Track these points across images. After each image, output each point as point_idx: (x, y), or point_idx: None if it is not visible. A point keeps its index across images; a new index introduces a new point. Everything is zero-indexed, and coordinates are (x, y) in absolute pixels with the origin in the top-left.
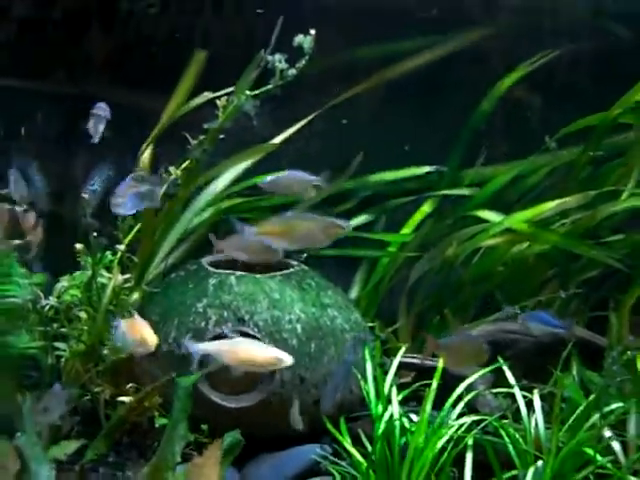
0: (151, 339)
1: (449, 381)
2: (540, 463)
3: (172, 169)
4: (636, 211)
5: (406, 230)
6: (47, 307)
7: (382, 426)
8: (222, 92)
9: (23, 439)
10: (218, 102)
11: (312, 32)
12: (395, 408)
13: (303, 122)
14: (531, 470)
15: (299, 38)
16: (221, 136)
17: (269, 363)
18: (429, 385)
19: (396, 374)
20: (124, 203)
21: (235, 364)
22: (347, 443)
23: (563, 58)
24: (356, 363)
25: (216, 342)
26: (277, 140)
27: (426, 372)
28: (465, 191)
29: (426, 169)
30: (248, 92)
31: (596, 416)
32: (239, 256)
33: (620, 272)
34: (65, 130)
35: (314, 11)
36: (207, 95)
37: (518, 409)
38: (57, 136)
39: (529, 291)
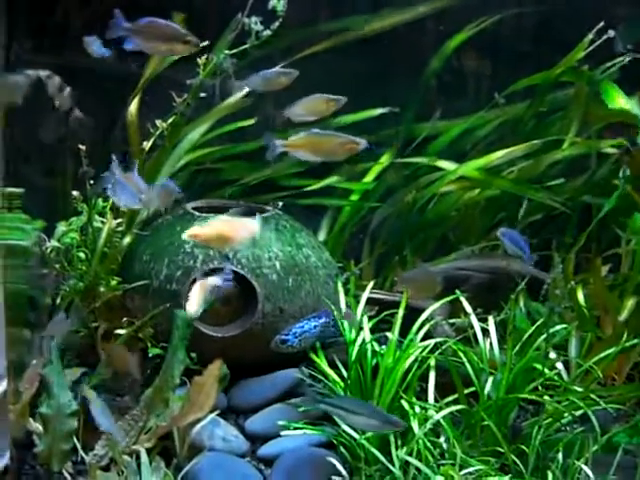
0: None
1: (410, 313)
2: (497, 377)
3: (159, 122)
4: (574, 160)
5: (367, 179)
6: (49, 249)
7: (355, 349)
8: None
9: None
10: (199, 60)
11: None
12: (367, 334)
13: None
14: (490, 380)
15: (273, 2)
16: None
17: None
18: (392, 316)
19: (366, 306)
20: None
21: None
22: (324, 365)
23: (510, 21)
24: (329, 294)
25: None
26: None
27: (389, 306)
28: (423, 159)
29: (380, 111)
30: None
31: (542, 337)
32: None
33: (561, 216)
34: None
35: None
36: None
37: (475, 336)
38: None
39: (480, 233)
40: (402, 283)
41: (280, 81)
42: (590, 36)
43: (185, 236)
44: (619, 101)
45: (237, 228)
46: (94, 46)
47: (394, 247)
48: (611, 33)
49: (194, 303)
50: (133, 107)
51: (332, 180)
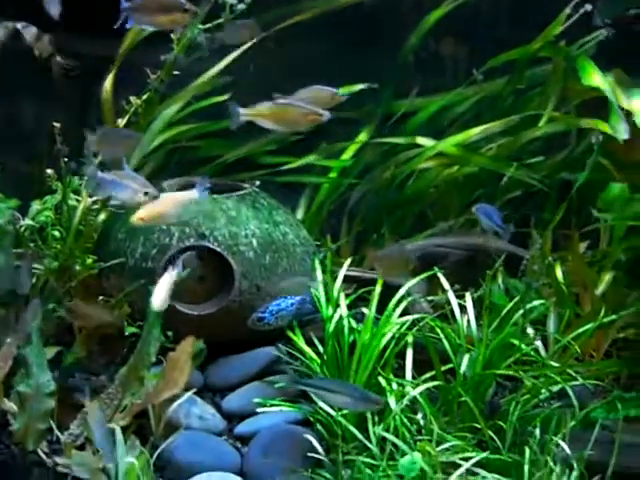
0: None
1: (388, 290)
2: (473, 353)
3: (133, 99)
4: (554, 136)
5: (345, 156)
6: (23, 228)
7: (332, 326)
8: None
9: (29, 348)
10: (172, 36)
11: None
12: (343, 310)
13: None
14: (466, 357)
15: None
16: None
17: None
18: (370, 293)
19: (343, 282)
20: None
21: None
22: (301, 343)
23: None
24: (306, 271)
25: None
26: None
27: (367, 283)
28: (400, 139)
29: (360, 87)
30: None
31: (520, 313)
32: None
33: (539, 192)
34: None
35: None
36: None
37: (452, 312)
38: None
39: (458, 210)
40: (374, 261)
41: (243, 33)
42: (567, 11)
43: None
44: (594, 78)
45: (171, 202)
46: (52, 5)
47: (372, 224)
48: (588, 7)
49: (159, 298)
50: (108, 84)
51: (310, 159)
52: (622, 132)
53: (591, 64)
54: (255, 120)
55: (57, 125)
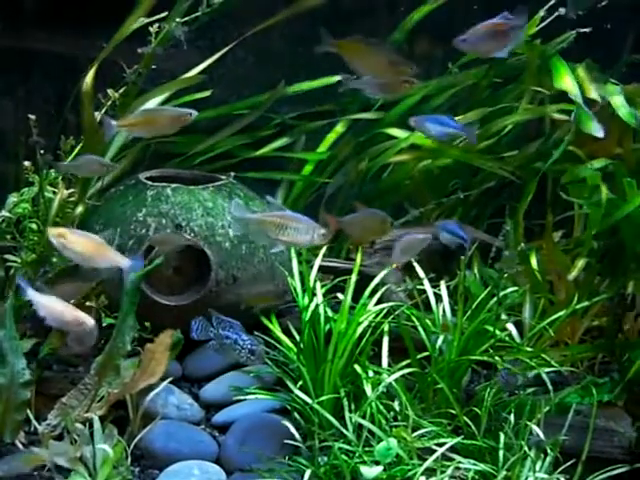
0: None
1: (364, 280)
2: (449, 336)
3: (110, 92)
4: (527, 127)
5: (322, 149)
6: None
7: (308, 315)
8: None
9: (2, 333)
10: (150, 29)
11: None
12: (320, 299)
13: (225, 50)
14: (440, 337)
15: None
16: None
17: None
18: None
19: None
20: None
21: None
22: (278, 331)
23: None
24: (283, 262)
25: None
26: (202, 66)
27: (344, 273)
28: (372, 115)
29: (337, 78)
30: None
31: (494, 300)
32: None
33: (514, 183)
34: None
35: None
36: (142, 20)
37: (428, 301)
38: None
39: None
40: (344, 228)
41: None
42: (541, 13)
43: None
44: (565, 80)
45: None
46: None
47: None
48: (562, 11)
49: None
50: (89, 77)
51: (281, 142)
52: (596, 130)
53: (563, 64)
54: (126, 130)
55: (32, 117)
